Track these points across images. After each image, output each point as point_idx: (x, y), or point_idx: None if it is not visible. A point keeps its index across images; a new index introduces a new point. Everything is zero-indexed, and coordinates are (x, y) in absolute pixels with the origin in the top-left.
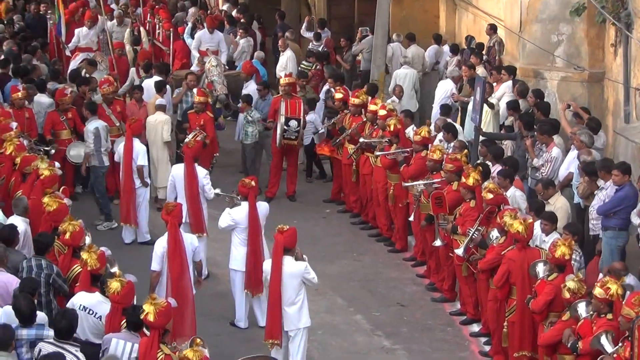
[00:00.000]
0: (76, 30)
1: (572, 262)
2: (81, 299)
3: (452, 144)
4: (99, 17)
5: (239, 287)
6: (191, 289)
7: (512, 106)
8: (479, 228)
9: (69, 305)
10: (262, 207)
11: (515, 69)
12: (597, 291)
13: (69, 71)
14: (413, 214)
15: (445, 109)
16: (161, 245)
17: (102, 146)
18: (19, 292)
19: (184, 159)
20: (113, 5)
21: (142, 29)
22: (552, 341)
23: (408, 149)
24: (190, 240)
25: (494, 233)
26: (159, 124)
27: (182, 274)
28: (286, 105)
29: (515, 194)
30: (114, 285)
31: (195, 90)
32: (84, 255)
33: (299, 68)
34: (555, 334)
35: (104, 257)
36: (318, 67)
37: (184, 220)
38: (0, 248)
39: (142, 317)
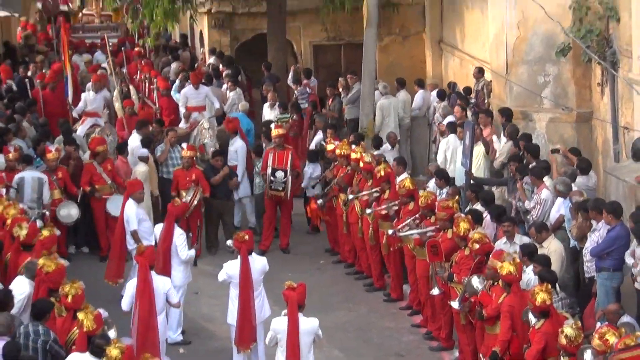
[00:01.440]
0: (83, 95)
1: (555, 304)
2: None
3: (444, 190)
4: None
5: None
6: (157, 331)
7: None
8: (479, 276)
9: None
10: (259, 262)
11: (511, 112)
12: (596, 343)
13: (76, 134)
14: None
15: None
16: (132, 285)
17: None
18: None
19: (166, 217)
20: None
21: (131, 86)
22: None
23: (397, 202)
24: (162, 282)
25: (474, 280)
26: (141, 175)
27: (150, 314)
28: (274, 156)
29: (522, 239)
30: (114, 353)
31: (184, 145)
32: (80, 315)
33: (276, 120)
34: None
35: (101, 319)
36: (295, 117)
37: None
38: (7, 317)
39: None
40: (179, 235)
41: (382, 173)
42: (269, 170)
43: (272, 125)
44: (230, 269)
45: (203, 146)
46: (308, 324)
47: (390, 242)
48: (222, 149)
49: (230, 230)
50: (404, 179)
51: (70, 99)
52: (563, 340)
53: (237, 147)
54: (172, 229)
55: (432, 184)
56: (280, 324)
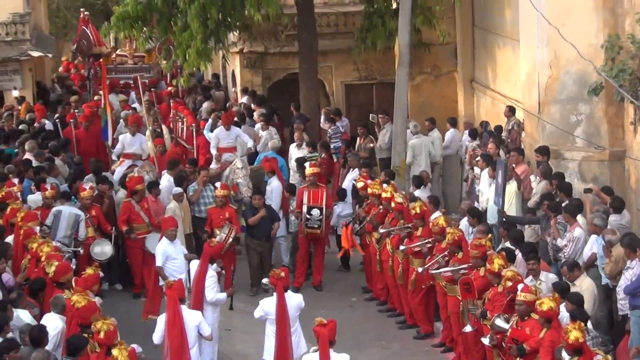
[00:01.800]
0: (120, 137)
1: (588, 342)
2: None
3: (476, 228)
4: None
5: None
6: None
7: (547, 198)
8: (506, 315)
9: None
10: (295, 299)
11: (548, 149)
12: None
13: (114, 176)
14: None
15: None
16: (162, 319)
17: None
18: None
19: (201, 256)
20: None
21: (163, 126)
22: None
23: (430, 240)
24: (193, 316)
25: (498, 321)
26: (172, 213)
27: (182, 346)
28: (309, 194)
29: (548, 276)
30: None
31: (218, 183)
32: (115, 352)
33: (306, 157)
34: None
35: (135, 354)
36: (324, 155)
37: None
38: (44, 354)
39: None
40: (210, 277)
41: (418, 210)
42: (305, 209)
43: (307, 164)
44: (267, 305)
45: (236, 185)
46: (338, 358)
47: (421, 279)
48: (256, 188)
49: (270, 270)
50: (437, 217)
51: (110, 142)
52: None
53: (274, 187)
54: (206, 268)
55: (464, 222)
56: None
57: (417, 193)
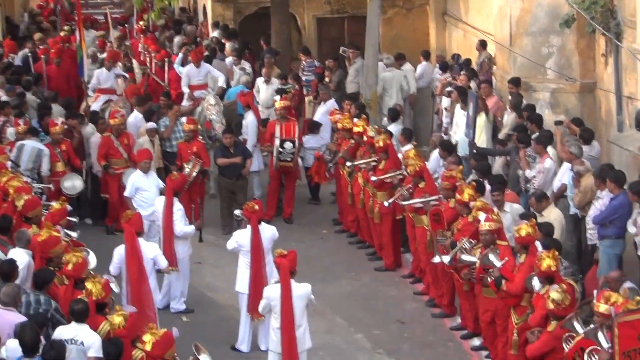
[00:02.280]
0: (96, 72)
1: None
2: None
3: (447, 160)
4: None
5: (244, 310)
6: (151, 294)
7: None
8: (471, 240)
9: (55, 336)
10: (269, 231)
11: (520, 81)
12: (603, 308)
13: (90, 111)
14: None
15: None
16: (119, 252)
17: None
18: (26, 323)
19: (165, 190)
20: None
21: (134, 60)
22: (539, 352)
23: (399, 172)
24: (149, 248)
25: (492, 256)
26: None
27: (140, 279)
28: (281, 127)
29: (513, 207)
30: (117, 319)
31: (184, 119)
32: (89, 285)
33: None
34: (542, 345)
35: (109, 286)
36: (296, 87)
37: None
38: (14, 288)
39: (140, 346)
40: (177, 210)
41: (381, 144)
42: (277, 142)
43: (277, 97)
44: (240, 238)
45: (210, 122)
46: (301, 290)
47: (387, 211)
48: (229, 124)
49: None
50: (408, 150)
51: (85, 77)
52: (550, 305)
53: (249, 121)
54: (171, 202)
55: (435, 154)
56: (273, 291)
57: (391, 127)
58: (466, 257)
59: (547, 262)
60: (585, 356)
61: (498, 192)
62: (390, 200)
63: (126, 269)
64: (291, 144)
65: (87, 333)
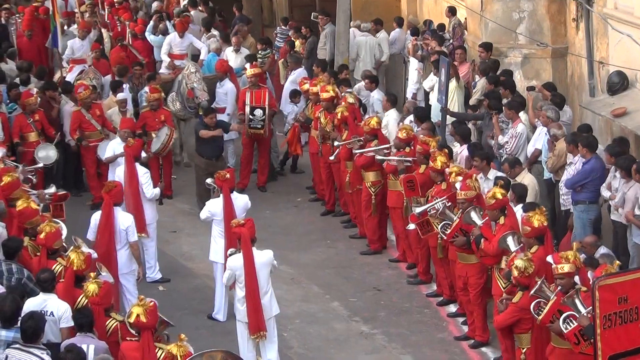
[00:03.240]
0: (69, 42)
1: None
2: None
3: (421, 127)
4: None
5: (219, 279)
6: (117, 266)
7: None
8: (445, 201)
9: (24, 310)
10: (241, 199)
11: (492, 45)
12: (567, 267)
13: (63, 82)
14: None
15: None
16: (95, 218)
17: None
18: (7, 294)
19: (125, 158)
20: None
21: (103, 30)
22: (506, 324)
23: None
24: (123, 218)
25: (473, 214)
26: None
27: (108, 248)
28: (251, 95)
29: (497, 176)
30: (91, 287)
31: (147, 87)
32: (72, 255)
33: (258, 59)
34: (507, 317)
35: (91, 259)
36: (271, 52)
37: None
38: None
39: (132, 319)
40: (144, 174)
41: (339, 116)
42: (248, 109)
43: (247, 65)
44: (213, 207)
45: (192, 90)
46: (263, 257)
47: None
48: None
49: None
50: (369, 118)
51: (59, 48)
52: (515, 272)
53: (227, 89)
54: (134, 168)
55: (408, 120)
56: (235, 261)
57: (374, 93)
58: (449, 213)
59: (537, 219)
60: (562, 322)
61: (477, 158)
62: (335, 153)
63: (98, 237)
64: (261, 111)
65: (55, 303)
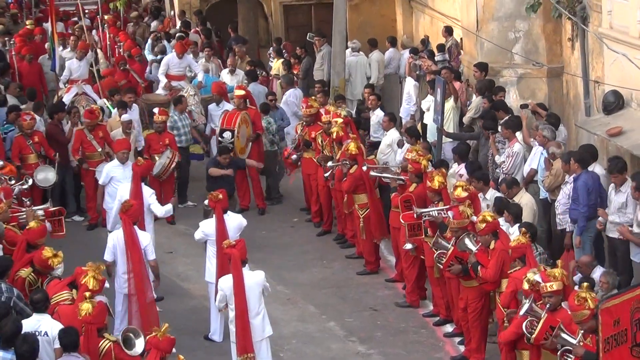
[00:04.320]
0: (67, 63)
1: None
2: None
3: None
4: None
5: (214, 300)
6: (149, 280)
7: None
8: (443, 212)
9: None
10: (235, 219)
11: (487, 65)
12: (556, 285)
13: (66, 104)
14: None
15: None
16: (112, 238)
17: None
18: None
19: (132, 177)
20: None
21: (99, 51)
22: (511, 338)
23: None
24: (143, 237)
25: (467, 241)
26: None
27: (141, 267)
28: (224, 117)
29: (495, 196)
30: (85, 306)
31: (156, 110)
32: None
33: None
34: (515, 330)
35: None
36: (264, 73)
37: None
38: None
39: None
40: (151, 195)
41: (334, 136)
42: (217, 131)
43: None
44: (207, 227)
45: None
46: (254, 278)
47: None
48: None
49: None
50: (348, 143)
51: (57, 70)
52: (525, 285)
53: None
54: (139, 188)
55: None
56: (227, 281)
57: (377, 112)
58: (443, 242)
59: (516, 238)
60: (559, 356)
61: (476, 179)
62: (329, 173)
63: (129, 258)
64: (230, 134)
65: (49, 323)
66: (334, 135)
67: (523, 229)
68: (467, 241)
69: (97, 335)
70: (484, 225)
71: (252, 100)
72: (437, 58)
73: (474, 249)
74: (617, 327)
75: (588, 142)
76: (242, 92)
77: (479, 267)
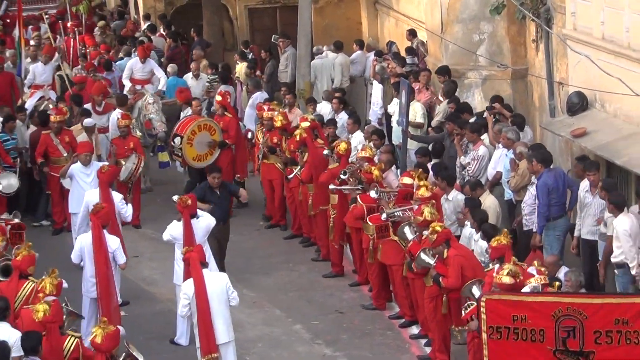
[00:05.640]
0: (31, 67)
1: None
2: None
3: (380, 149)
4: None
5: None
6: (114, 284)
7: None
8: (407, 210)
9: None
10: (203, 221)
11: (449, 69)
12: (506, 279)
13: (28, 110)
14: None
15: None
16: (80, 241)
17: None
18: None
19: (99, 184)
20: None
21: (64, 62)
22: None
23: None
24: (112, 241)
25: (424, 255)
26: None
27: (107, 270)
28: (180, 122)
29: (457, 197)
30: (42, 307)
31: (118, 114)
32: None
33: (207, 83)
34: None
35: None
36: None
37: None
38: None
39: (90, 339)
40: (120, 200)
41: (298, 138)
42: (171, 136)
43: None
44: (174, 230)
45: (149, 121)
46: (216, 280)
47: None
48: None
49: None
50: (339, 142)
51: (23, 75)
52: (506, 279)
53: None
54: (109, 193)
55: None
56: (189, 286)
57: (341, 115)
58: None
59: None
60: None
61: (440, 178)
62: (293, 174)
63: (95, 261)
64: (179, 139)
65: (7, 331)
66: (298, 137)
67: (505, 229)
68: (423, 256)
69: (59, 334)
70: (435, 236)
71: (230, 108)
72: (408, 61)
73: (431, 262)
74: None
75: (553, 143)
76: (220, 99)
77: (440, 279)
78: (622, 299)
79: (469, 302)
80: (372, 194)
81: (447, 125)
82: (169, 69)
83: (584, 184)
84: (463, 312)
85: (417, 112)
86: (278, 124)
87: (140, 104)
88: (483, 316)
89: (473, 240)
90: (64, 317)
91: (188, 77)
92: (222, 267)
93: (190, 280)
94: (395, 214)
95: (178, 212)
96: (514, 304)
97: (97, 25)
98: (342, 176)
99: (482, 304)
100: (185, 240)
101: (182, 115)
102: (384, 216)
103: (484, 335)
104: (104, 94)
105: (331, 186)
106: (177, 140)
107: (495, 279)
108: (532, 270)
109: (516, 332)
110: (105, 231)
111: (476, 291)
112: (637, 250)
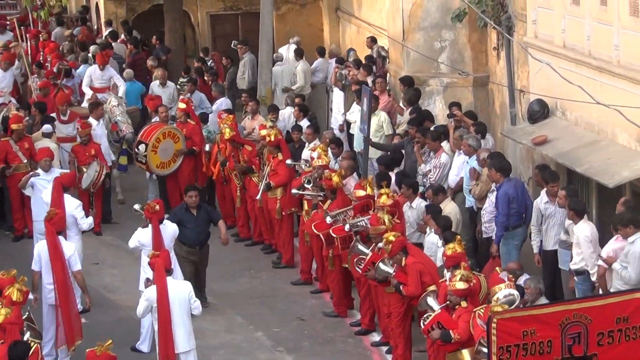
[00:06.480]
0: None
1: None
2: None
3: (341, 155)
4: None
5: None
6: (73, 291)
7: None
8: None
9: None
10: (170, 228)
11: (412, 79)
12: (460, 285)
13: None
14: None
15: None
16: (38, 248)
17: None
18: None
19: (53, 188)
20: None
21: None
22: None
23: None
24: (67, 247)
25: (382, 265)
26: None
27: (64, 277)
28: (145, 129)
29: (420, 205)
30: (4, 311)
31: (79, 122)
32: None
33: (178, 85)
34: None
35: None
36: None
37: None
38: None
39: None
40: (77, 207)
41: (272, 138)
42: (136, 143)
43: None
44: (142, 237)
45: (115, 124)
46: (179, 288)
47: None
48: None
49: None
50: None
51: None
52: (460, 285)
53: None
54: (61, 197)
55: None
56: (152, 291)
57: (302, 123)
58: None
59: (451, 247)
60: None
61: (405, 186)
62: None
63: (52, 267)
64: (144, 147)
65: None
66: (272, 137)
67: (458, 236)
68: (382, 266)
69: (20, 336)
70: (390, 246)
71: (194, 115)
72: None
73: (391, 271)
74: (528, 338)
75: (514, 151)
76: (183, 106)
77: (401, 287)
78: (621, 296)
79: (427, 314)
80: (328, 220)
81: (409, 130)
82: (124, 74)
83: (541, 198)
84: (422, 324)
85: (384, 121)
86: (227, 136)
87: (105, 107)
88: (493, 337)
89: (438, 246)
90: (24, 328)
91: (155, 84)
92: (202, 297)
93: (154, 287)
94: (359, 223)
95: (143, 220)
96: (523, 319)
97: (52, 32)
98: (305, 185)
99: (494, 325)
100: (155, 246)
101: (152, 121)
102: (347, 227)
103: (494, 358)
104: (67, 103)
105: (293, 190)
106: (142, 147)
107: (450, 286)
108: (503, 276)
109: (525, 347)
110: (61, 237)
111: (432, 303)
112: (597, 257)
